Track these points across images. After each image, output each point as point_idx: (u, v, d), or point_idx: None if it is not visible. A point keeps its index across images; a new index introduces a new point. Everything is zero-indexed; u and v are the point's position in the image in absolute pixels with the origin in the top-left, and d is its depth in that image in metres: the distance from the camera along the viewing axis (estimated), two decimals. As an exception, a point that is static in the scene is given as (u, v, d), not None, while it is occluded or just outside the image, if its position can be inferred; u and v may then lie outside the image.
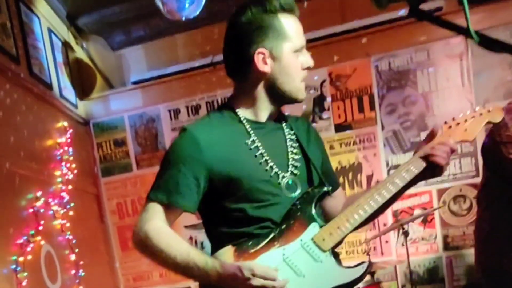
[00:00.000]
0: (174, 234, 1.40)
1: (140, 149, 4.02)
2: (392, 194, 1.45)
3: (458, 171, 3.57)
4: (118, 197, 4.06)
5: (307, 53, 1.48)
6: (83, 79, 4.02)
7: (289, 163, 1.49)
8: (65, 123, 3.60)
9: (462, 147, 3.53)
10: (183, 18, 3.08)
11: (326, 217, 1.54)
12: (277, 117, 1.56)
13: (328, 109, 3.75)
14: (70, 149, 3.55)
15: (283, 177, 1.46)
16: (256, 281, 1.30)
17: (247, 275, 1.29)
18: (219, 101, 3.88)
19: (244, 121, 1.48)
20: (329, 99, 3.74)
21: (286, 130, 1.55)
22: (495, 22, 3.33)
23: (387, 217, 3.64)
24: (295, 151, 1.52)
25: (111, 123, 4.04)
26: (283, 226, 1.43)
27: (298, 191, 1.47)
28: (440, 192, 3.61)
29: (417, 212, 3.55)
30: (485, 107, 1.54)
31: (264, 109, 1.50)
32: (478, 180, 3.16)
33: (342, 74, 3.73)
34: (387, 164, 3.68)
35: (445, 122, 1.52)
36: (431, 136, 1.50)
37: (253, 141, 1.46)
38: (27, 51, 3.25)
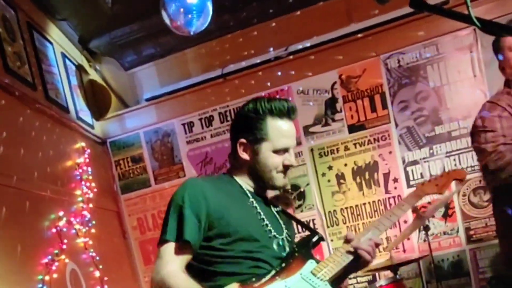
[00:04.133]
0: (191, 279, 1.46)
1: (157, 164, 4.08)
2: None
3: (477, 162, 3.54)
4: (138, 212, 4.11)
5: (292, 154, 1.64)
6: (98, 100, 4.10)
7: (284, 229, 1.67)
8: (83, 144, 3.67)
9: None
10: (192, 33, 3.13)
11: None
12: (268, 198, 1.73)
13: (340, 111, 3.77)
14: (89, 169, 3.62)
15: (275, 237, 1.61)
16: None
17: None
18: (232, 111, 3.92)
19: (245, 189, 1.66)
20: (340, 100, 3.76)
21: (274, 208, 1.73)
22: (504, 11, 3.33)
23: (407, 214, 3.61)
24: (283, 221, 1.70)
25: (127, 140, 4.11)
26: (283, 265, 1.54)
27: (285, 252, 1.61)
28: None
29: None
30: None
31: (257, 184, 1.67)
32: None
33: (352, 75, 3.74)
34: (403, 161, 3.67)
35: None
36: (347, 239, 1.60)
37: (252, 202, 1.63)
38: (43, 77, 3.32)
